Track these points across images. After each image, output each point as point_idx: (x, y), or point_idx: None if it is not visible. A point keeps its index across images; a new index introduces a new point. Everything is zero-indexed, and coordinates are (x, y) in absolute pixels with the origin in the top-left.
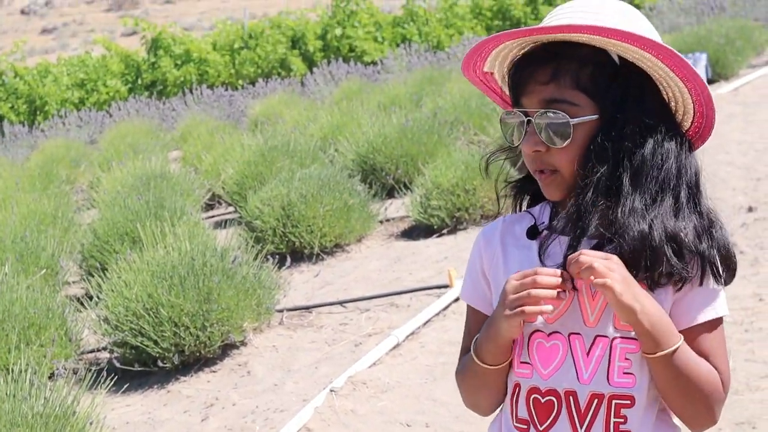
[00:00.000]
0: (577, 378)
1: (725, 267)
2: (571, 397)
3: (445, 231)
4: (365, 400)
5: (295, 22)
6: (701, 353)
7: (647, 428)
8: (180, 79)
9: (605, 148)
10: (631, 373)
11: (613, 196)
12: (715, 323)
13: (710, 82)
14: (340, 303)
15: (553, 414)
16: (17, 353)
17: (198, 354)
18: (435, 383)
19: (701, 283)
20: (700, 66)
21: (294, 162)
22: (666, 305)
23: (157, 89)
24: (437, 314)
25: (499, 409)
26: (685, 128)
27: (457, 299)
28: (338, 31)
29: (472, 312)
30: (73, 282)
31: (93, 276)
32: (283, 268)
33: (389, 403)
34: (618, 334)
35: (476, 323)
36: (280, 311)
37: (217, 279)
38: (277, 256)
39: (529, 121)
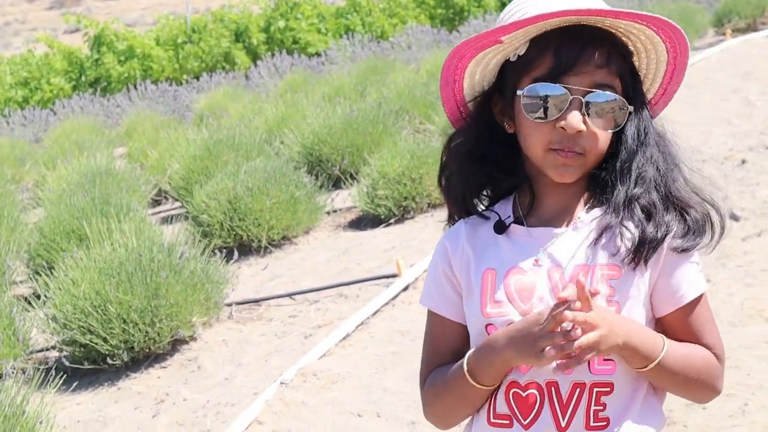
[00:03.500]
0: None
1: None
2: (552, 388)
3: (392, 220)
4: (316, 391)
5: (238, 16)
6: (693, 333)
7: (628, 414)
8: (124, 75)
9: (640, 133)
10: (610, 359)
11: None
12: (699, 299)
13: None
14: (289, 295)
15: (536, 407)
16: None
17: (147, 350)
18: (385, 373)
19: (686, 249)
20: None
21: (239, 155)
22: (649, 283)
23: (101, 86)
24: (386, 304)
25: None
26: (649, 98)
27: (405, 288)
28: (281, 24)
29: (436, 319)
30: (21, 281)
31: (40, 275)
32: (231, 261)
33: (340, 393)
34: None
35: (441, 329)
36: (229, 305)
37: (164, 274)
38: (224, 250)
39: (573, 100)
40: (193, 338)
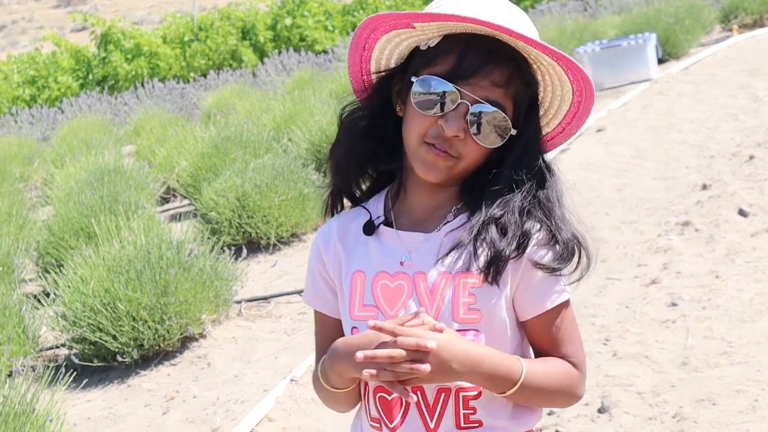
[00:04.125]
0: None
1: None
2: (419, 392)
3: None
4: None
5: (244, 13)
6: (553, 341)
7: (501, 415)
8: (131, 74)
9: (521, 164)
10: None
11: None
12: (563, 306)
13: (660, 61)
14: (298, 292)
15: (402, 411)
16: None
17: (157, 347)
18: None
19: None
20: (650, 46)
21: (247, 153)
22: (510, 289)
23: (108, 84)
24: None
25: (357, 407)
26: (547, 132)
27: None
28: (288, 21)
29: (318, 316)
30: (30, 279)
31: (49, 273)
32: (240, 259)
33: None
34: (458, 328)
35: (323, 325)
36: (239, 302)
37: (173, 272)
38: (233, 248)
39: (460, 105)
40: (202, 336)
